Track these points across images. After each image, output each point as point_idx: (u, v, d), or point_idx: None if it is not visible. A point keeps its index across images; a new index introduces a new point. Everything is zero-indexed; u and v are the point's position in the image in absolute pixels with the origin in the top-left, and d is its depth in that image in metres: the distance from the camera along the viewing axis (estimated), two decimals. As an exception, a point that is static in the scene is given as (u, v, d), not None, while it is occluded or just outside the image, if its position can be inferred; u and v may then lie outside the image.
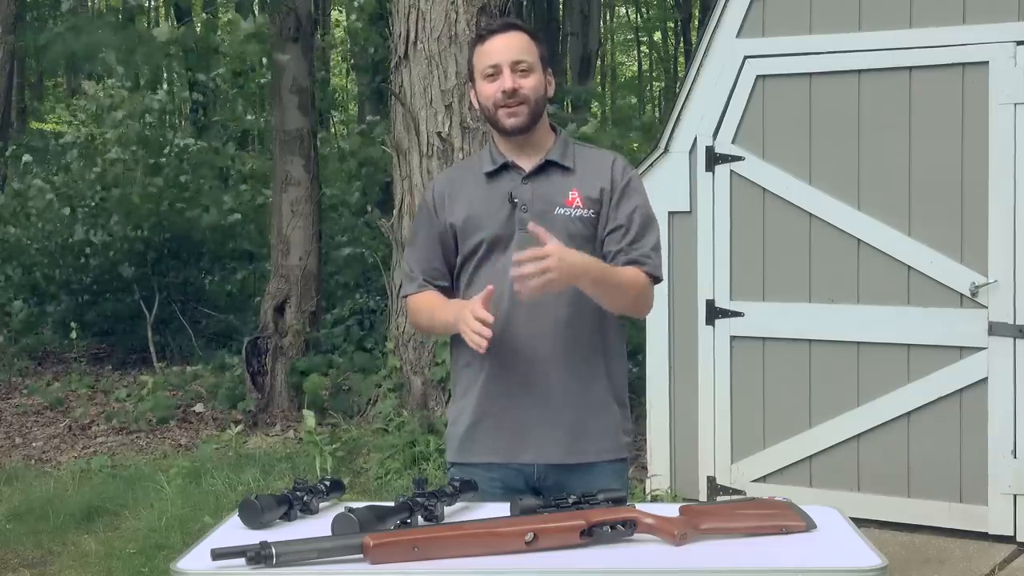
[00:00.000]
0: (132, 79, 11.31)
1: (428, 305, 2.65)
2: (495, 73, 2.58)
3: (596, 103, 16.98)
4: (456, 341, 2.70)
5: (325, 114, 13.54)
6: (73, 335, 9.63)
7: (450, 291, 2.68)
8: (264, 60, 9.58)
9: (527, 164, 2.62)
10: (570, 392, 2.58)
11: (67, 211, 9.53)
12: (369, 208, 11.27)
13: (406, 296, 2.74)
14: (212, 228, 10.47)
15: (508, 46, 2.58)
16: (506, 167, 2.63)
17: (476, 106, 2.70)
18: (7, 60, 10.39)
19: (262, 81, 10.38)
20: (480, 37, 2.65)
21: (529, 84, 2.58)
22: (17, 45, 10.69)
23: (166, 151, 10.23)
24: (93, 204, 10.08)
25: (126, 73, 10.66)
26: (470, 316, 2.39)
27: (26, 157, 10.36)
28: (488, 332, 2.38)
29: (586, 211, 2.58)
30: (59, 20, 11.12)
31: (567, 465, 2.58)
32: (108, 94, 10.35)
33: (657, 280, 2.61)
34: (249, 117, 12.82)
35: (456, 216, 2.63)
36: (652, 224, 2.64)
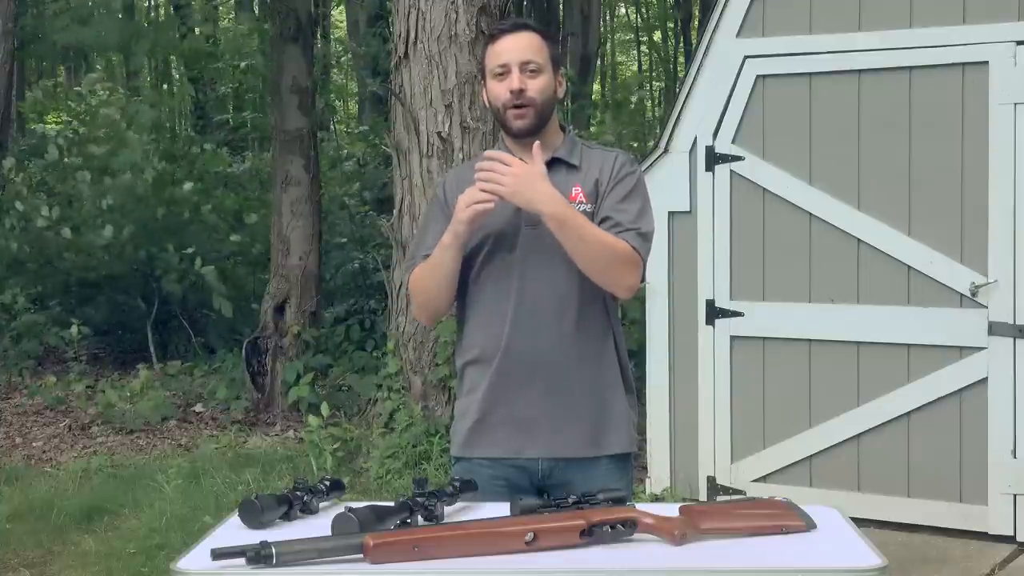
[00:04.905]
0: (133, 75, 11.18)
1: (424, 264, 2.64)
2: (504, 73, 2.58)
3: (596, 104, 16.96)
4: (461, 339, 2.70)
5: (325, 116, 13.45)
6: (59, 339, 9.53)
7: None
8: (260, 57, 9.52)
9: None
10: (579, 386, 2.58)
11: (67, 232, 9.37)
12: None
13: (409, 274, 2.71)
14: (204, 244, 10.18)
15: (518, 46, 2.59)
16: None
17: (487, 106, 2.71)
18: (7, 60, 10.35)
19: (262, 86, 10.29)
20: (492, 36, 2.66)
21: (536, 86, 2.58)
22: (19, 36, 10.61)
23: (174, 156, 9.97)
24: (94, 214, 9.93)
25: (128, 66, 10.50)
26: (460, 210, 2.49)
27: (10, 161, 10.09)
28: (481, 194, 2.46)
29: (588, 205, 2.58)
30: (58, 12, 11.03)
31: (574, 459, 2.58)
32: (102, 95, 10.19)
33: (639, 255, 2.54)
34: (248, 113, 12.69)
35: None
36: (644, 211, 2.60)
